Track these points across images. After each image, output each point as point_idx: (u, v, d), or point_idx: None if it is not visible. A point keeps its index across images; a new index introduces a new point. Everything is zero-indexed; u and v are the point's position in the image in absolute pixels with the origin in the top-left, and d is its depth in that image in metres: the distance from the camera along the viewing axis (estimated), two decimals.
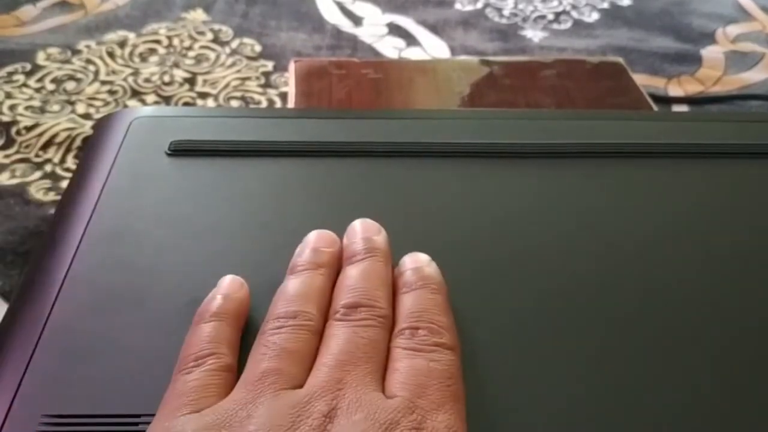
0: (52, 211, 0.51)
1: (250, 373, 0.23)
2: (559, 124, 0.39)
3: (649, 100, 0.55)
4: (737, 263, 0.30)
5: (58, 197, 0.52)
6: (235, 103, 0.65)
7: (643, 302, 0.28)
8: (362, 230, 0.30)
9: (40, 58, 0.70)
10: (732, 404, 0.25)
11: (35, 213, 0.51)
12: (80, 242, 0.30)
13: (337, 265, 0.28)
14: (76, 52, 0.71)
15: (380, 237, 0.29)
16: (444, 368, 0.23)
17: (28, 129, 0.60)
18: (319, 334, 0.25)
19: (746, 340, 0.27)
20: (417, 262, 0.28)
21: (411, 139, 0.37)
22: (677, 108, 0.66)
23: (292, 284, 0.27)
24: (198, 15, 0.78)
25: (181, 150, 0.36)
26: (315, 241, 0.29)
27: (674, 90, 0.69)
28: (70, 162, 0.56)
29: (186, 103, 0.65)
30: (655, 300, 0.28)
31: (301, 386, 0.23)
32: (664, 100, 0.67)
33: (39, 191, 0.53)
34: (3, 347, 0.26)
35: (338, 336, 0.25)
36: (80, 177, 0.35)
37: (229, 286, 0.27)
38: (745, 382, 0.25)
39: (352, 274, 0.27)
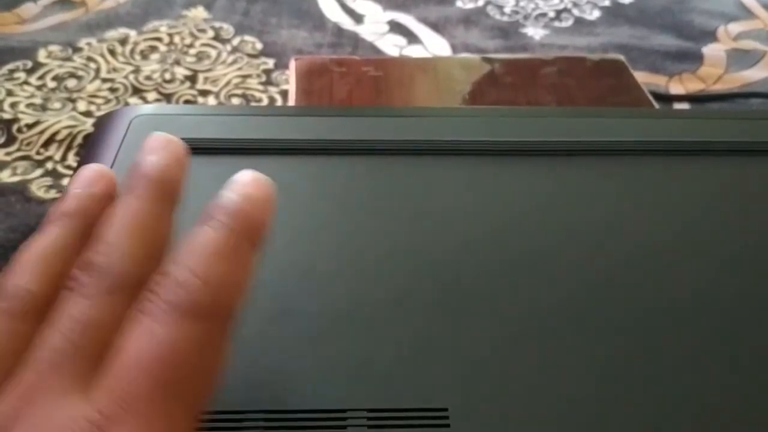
0: None
1: None
2: (561, 121, 0.39)
3: (651, 97, 0.55)
4: (739, 260, 0.30)
5: (59, 195, 0.52)
6: (236, 101, 0.65)
7: (645, 299, 0.28)
8: (152, 154, 0.22)
9: (41, 55, 0.70)
10: (740, 402, 0.25)
11: (36, 210, 0.51)
12: None
13: (99, 210, 0.21)
14: (77, 49, 0.71)
15: (173, 164, 0.22)
16: (167, 354, 0.17)
17: (30, 126, 0.60)
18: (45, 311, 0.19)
19: (749, 338, 0.27)
20: (235, 187, 0.21)
21: (413, 136, 0.37)
22: (678, 106, 0.66)
23: (27, 247, 0.20)
24: (199, 13, 0.78)
25: None
26: (74, 181, 0.22)
27: (675, 88, 0.69)
28: (71, 160, 0.57)
29: (187, 101, 0.65)
30: (658, 297, 0.28)
31: None
32: (666, 98, 0.67)
33: (40, 189, 0.53)
34: None
35: (52, 320, 0.18)
36: None
37: None
38: (748, 382, 0.25)
39: (108, 217, 0.20)
